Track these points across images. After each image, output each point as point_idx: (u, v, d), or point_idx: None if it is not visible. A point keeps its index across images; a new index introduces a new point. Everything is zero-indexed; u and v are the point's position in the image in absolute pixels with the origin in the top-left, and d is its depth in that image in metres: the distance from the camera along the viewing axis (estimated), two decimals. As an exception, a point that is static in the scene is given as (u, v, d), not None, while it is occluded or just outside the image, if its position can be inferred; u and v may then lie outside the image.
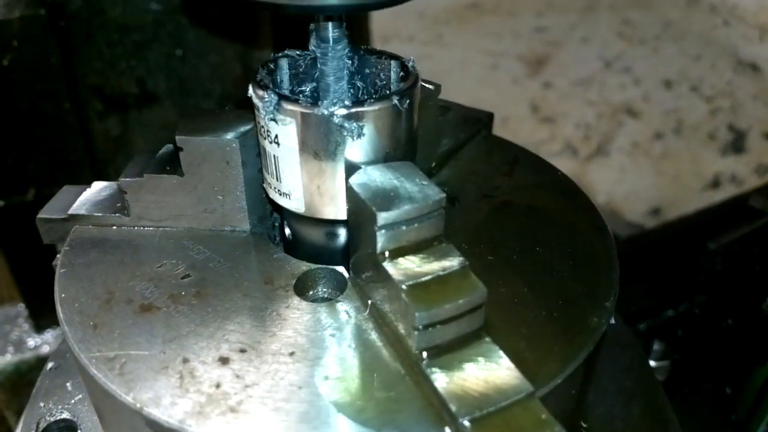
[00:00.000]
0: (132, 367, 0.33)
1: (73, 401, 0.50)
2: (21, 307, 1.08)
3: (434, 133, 0.49)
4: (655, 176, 1.94)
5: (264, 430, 0.30)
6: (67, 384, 0.52)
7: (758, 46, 2.19)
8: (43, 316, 1.08)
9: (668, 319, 0.96)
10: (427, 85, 0.39)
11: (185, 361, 0.33)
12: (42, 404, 0.50)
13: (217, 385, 0.31)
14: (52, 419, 0.50)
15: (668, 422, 0.50)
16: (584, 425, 0.48)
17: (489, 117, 0.56)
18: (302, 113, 0.35)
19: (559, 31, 2.36)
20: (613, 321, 0.39)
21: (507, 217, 0.44)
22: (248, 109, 0.39)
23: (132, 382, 0.32)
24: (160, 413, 0.30)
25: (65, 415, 0.50)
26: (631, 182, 1.90)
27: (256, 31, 1.02)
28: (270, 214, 0.43)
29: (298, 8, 0.32)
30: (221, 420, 0.30)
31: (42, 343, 1.09)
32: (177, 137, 0.38)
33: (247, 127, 0.39)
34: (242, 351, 0.33)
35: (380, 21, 1.25)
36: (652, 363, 0.82)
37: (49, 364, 0.55)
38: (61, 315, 0.36)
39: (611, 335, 0.54)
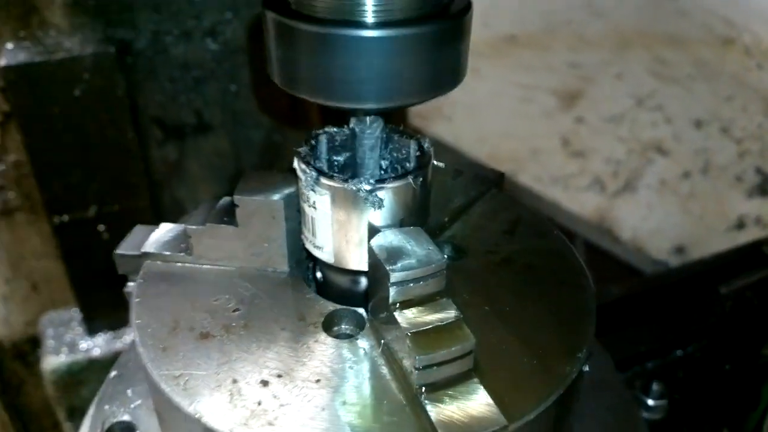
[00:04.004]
0: (192, 384, 0.42)
1: (132, 406, 0.59)
2: (75, 311, 1.15)
3: (449, 191, 0.57)
4: (682, 215, 1.96)
5: (293, 441, 0.38)
6: (128, 391, 0.61)
7: (789, 90, 2.21)
8: (94, 321, 1.17)
9: (674, 359, 1.01)
10: (438, 164, 0.47)
11: (234, 381, 0.42)
12: (107, 407, 0.59)
13: (259, 403, 0.40)
14: (115, 420, 0.59)
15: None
16: (568, 454, 0.55)
17: (500, 176, 0.64)
18: (335, 187, 0.44)
19: (592, 67, 2.40)
20: (587, 368, 0.46)
21: (506, 273, 0.52)
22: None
23: (192, 396, 0.41)
24: (214, 423, 0.39)
25: (126, 418, 0.59)
26: (657, 219, 1.93)
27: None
28: (306, 259, 0.52)
29: (344, 108, 0.41)
30: (262, 431, 0.39)
31: (93, 346, 1.17)
32: (235, 196, 0.48)
33: (291, 190, 0.48)
34: (279, 376, 0.42)
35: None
36: (650, 402, 0.88)
37: (112, 373, 0.64)
38: (137, 338, 0.45)
39: (598, 377, 0.61)
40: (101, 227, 1.08)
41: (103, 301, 1.13)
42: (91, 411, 0.63)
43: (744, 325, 0.95)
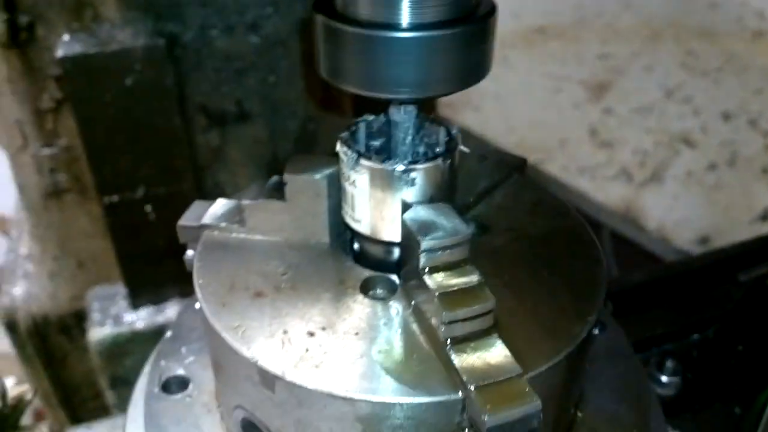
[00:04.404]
0: (249, 333, 0.48)
1: (186, 362, 0.66)
2: (119, 287, 1.21)
3: (475, 175, 0.63)
4: (707, 206, 1.98)
5: (336, 381, 0.45)
6: (183, 348, 0.68)
7: (821, 83, 2.19)
8: (139, 296, 1.24)
9: (690, 342, 1.06)
10: (464, 149, 0.53)
11: (285, 332, 0.48)
12: (162, 362, 0.66)
13: (306, 350, 0.47)
14: (171, 374, 0.66)
15: (650, 420, 0.62)
16: (580, 414, 0.61)
17: (522, 162, 0.69)
18: (372, 168, 0.50)
19: (622, 59, 2.42)
20: (596, 331, 0.52)
21: (525, 247, 0.58)
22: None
23: (249, 343, 0.47)
24: (269, 365, 0.46)
25: (181, 372, 0.66)
26: (683, 210, 1.96)
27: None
28: (344, 232, 0.59)
29: (382, 98, 0.48)
30: (309, 372, 0.45)
31: (137, 319, 1.24)
32: (285, 175, 0.54)
33: (333, 170, 0.55)
34: (323, 329, 0.49)
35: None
36: (663, 378, 0.93)
37: (168, 333, 0.71)
38: (199, 295, 0.52)
39: (612, 344, 0.67)
40: (148, 208, 1.15)
41: (147, 277, 1.21)
42: (147, 368, 0.70)
43: (759, 310, 0.98)
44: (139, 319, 1.25)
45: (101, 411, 1.35)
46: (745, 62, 2.18)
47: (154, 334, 1.22)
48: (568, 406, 0.56)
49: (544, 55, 2.45)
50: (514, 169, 0.68)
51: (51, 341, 1.30)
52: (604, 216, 1.93)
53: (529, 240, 0.59)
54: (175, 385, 0.62)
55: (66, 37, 1.02)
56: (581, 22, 2.57)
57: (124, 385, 1.26)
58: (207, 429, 0.58)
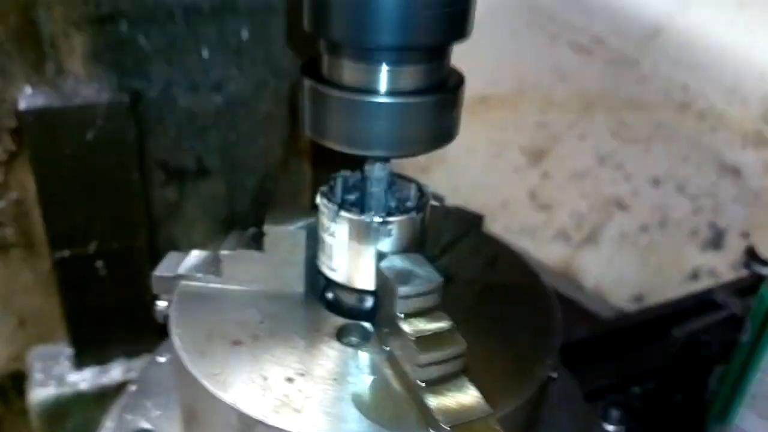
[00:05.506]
0: (229, 380, 0.50)
1: (152, 415, 0.66)
2: (62, 347, 1.16)
3: (439, 229, 0.67)
4: (640, 266, 2.08)
5: (317, 424, 0.47)
6: (147, 402, 0.68)
7: (741, 152, 2.37)
8: (84, 355, 1.20)
9: (631, 395, 1.11)
10: (434, 203, 0.58)
11: (264, 378, 0.50)
12: (128, 416, 0.66)
13: (286, 395, 0.49)
14: (136, 428, 0.65)
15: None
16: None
17: (479, 218, 0.74)
18: (351, 219, 0.53)
19: (558, 127, 2.55)
20: (555, 375, 0.56)
21: (486, 298, 0.62)
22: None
23: (230, 389, 0.49)
24: (250, 410, 0.47)
25: (147, 426, 0.65)
26: (618, 270, 2.05)
27: (298, 122, 1.20)
28: (318, 282, 0.61)
29: (361, 155, 0.52)
30: (290, 416, 0.47)
31: (81, 379, 1.19)
32: (265, 226, 0.57)
33: (310, 221, 0.58)
34: (301, 375, 0.51)
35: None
36: (609, 428, 0.97)
37: (132, 387, 0.70)
38: (177, 344, 0.54)
39: (563, 391, 0.71)
40: (99, 263, 1.13)
41: (94, 336, 1.18)
42: (108, 423, 0.69)
43: (694, 362, 1.05)
44: (84, 379, 1.20)
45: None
46: (672, 131, 2.34)
47: (98, 396, 1.18)
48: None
49: (486, 123, 2.56)
50: (472, 224, 0.73)
51: (-16, 404, 1.24)
52: (544, 274, 2.00)
53: (489, 291, 0.63)
54: (141, 439, 0.62)
55: (28, 90, 1.02)
56: (520, 92, 2.71)
57: (65, 452, 1.21)
58: (176, 481, 0.58)
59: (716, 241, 2.16)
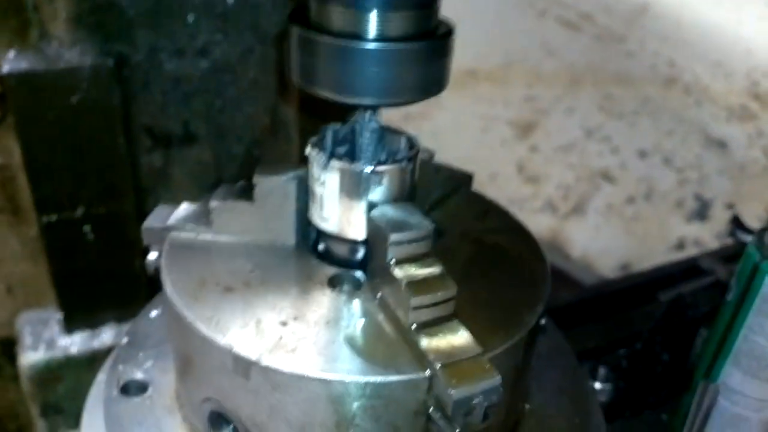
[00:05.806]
0: (223, 324, 0.50)
1: (145, 366, 0.66)
2: (52, 312, 1.17)
3: (429, 186, 0.68)
4: (626, 236, 2.11)
5: (311, 363, 0.47)
6: (140, 354, 0.68)
7: (726, 125, 2.40)
8: (73, 320, 1.20)
9: (620, 355, 1.13)
10: (424, 155, 0.58)
11: (258, 322, 0.50)
12: (121, 367, 0.66)
13: (280, 338, 0.49)
14: (129, 378, 0.66)
15: (590, 410, 0.67)
16: (528, 407, 0.65)
17: (469, 177, 0.75)
18: (342, 168, 0.53)
19: (546, 101, 2.56)
20: (543, 321, 0.57)
21: (476, 249, 0.63)
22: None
23: (224, 332, 0.49)
24: (244, 351, 0.48)
25: (140, 376, 0.66)
26: (604, 240, 2.08)
27: (285, 89, 1.20)
28: (310, 233, 0.61)
29: (350, 102, 0.52)
30: (285, 357, 0.48)
31: (71, 343, 1.20)
32: (255, 177, 0.57)
33: (300, 173, 0.58)
34: (295, 319, 0.51)
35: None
36: (597, 385, 0.99)
37: (125, 339, 0.71)
38: (170, 291, 0.54)
39: (553, 346, 0.72)
40: (87, 228, 1.13)
41: (83, 300, 1.18)
42: (101, 376, 0.69)
43: (680, 322, 1.07)
44: (74, 343, 1.20)
45: (26, 445, 1.29)
46: (658, 106, 2.36)
47: (89, 360, 1.19)
48: (519, 393, 0.60)
49: (475, 97, 2.57)
50: (462, 182, 0.73)
51: (-28, 371, 1.24)
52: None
53: (480, 243, 0.64)
54: (134, 389, 0.62)
55: (11, 54, 1.01)
56: (508, 66, 2.71)
57: (55, 413, 1.21)
58: (169, 430, 0.59)
59: (701, 212, 2.19)
